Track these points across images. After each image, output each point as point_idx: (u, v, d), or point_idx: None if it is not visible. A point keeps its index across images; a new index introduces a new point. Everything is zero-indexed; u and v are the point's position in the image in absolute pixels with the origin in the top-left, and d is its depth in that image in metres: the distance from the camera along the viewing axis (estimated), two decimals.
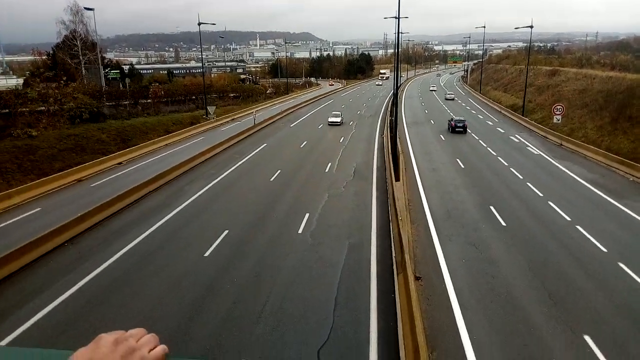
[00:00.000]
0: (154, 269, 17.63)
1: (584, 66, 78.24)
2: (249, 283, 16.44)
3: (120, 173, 33.14)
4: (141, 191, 26.85)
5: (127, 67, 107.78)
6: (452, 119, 51.10)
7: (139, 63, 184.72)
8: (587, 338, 13.11)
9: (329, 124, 54.78)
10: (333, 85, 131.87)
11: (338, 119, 55.62)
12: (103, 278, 16.95)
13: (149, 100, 61.34)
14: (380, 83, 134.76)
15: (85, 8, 59.16)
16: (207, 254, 18.85)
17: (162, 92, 66.50)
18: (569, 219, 22.74)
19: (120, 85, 71.36)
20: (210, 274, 17.14)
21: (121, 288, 16.20)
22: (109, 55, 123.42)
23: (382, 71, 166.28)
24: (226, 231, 21.15)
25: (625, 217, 23.27)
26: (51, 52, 72.28)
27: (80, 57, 62.02)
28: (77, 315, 14.52)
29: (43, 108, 41.57)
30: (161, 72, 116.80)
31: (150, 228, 21.77)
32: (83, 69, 62.99)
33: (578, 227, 21.61)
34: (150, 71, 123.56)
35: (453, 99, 74.27)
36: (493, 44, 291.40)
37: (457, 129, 48.77)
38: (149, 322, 14.07)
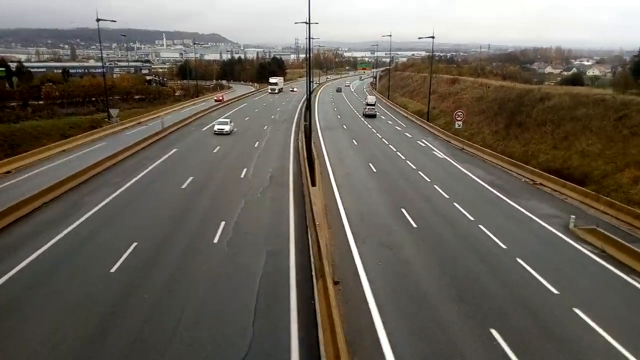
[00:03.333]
0: (51, 289, 15.92)
1: (480, 75, 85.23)
2: (161, 299, 15.44)
3: (8, 183, 29.71)
4: (35, 202, 24.25)
5: (15, 64, 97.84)
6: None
7: (28, 60, 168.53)
8: (493, 331, 14.03)
9: (214, 133, 49.82)
10: (222, 99, 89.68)
11: (226, 127, 50.32)
12: None
13: (41, 102, 56.12)
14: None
15: None
16: (113, 269, 17.44)
17: (57, 93, 61.36)
18: (472, 218, 24.37)
19: (7, 85, 64.50)
20: (117, 291, 15.85)
21: (12, 313, 14.40)
22: None
23: (272, 80, 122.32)
24: (135, 244, 19.76)
25: (520, 215, 25.46)
26: None
27: None
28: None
29: None
30: (55, 71, 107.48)
31: (46, 244, 19.68)
32: None
33: (480, 226, 23.22)
34: (42, 70, 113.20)
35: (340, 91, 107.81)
36: (399, 52, 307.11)
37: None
38: (45, 349, 12.65)
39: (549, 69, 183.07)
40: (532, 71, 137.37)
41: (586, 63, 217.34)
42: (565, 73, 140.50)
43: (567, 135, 36.58)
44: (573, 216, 23.60)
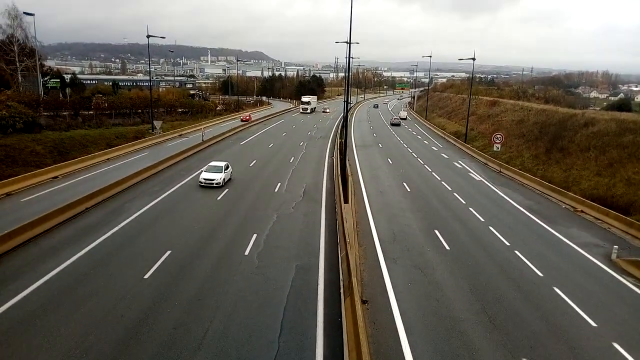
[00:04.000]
0: (88, 291, 16.52)
1: (521, 98, 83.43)
2: (191, 307, 15.74)
3: (55, 187, 31.20)
4: (78, 207, 25.35)
5: (69, 76, 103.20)
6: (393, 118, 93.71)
7: (82, 73, 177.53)
8: None
9: (201, 184, 32.34)
10: (249, 119, 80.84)
11: (217, 176, 32.50)
12: (31, 301, 15.68)
13: (91, 112, 58.74)
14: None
15: (25, 13, 56.43)
16: (147, 275, 17.95)
17: (106, 104, 63.99)
18: (508, 243, 23.70)
19: (60, 95, 67.99)
20: (149, 297, 16.28)
21: (50, 312, 15.02)
22: (50, 63, 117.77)
23: (304, 98, 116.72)
24: (169, 252, 20.30)
25: (559, 242, 24.56)
26: None
27: (17, 63, 58.75)
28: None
29: None
30: (106, 83, 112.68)
31: (86, 247, 20.50)
32: (19, 76, 59.65)
33: (516, 251, 22.55)
34: (94, 82, 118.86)
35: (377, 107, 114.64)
36: (438, 73, 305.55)
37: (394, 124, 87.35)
38: (79, 349, 13.09)
39: (594, 94, 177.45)
40: (576, 95, 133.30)
41: (634, 88, 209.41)
42: (612, 98, 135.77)
43: (612, 162, 35.19)
44: (616, 246, 22.59)
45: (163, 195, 29.92)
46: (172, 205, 28.02)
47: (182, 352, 13.16)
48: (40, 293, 16.27)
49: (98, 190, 27.99)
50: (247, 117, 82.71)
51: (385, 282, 18.62)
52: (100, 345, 13.35)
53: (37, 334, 13.80)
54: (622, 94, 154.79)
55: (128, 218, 24.90)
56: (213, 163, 34.57)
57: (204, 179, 32.32)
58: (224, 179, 32.97)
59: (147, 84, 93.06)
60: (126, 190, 30.85)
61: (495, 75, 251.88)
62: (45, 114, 51.15)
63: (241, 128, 69.97)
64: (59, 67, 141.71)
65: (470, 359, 13.61)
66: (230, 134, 63.21)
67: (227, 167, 34.31)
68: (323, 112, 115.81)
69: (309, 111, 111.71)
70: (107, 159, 41.76)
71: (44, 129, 43.94)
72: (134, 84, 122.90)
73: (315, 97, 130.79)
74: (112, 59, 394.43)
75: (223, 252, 20.72)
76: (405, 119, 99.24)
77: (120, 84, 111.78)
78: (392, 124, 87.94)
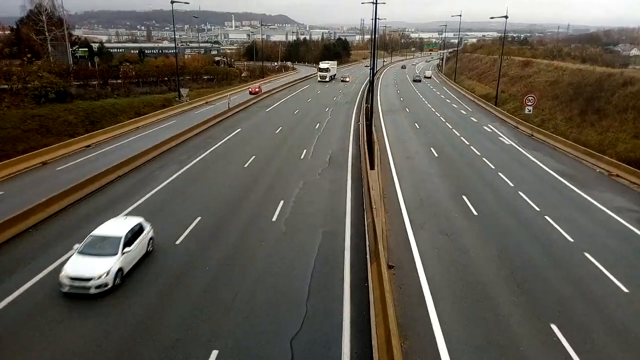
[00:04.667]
0: None
1: (556, 58, 79.83)
2: (220, 271, 16.22)
3: (88, 156, 32.09)
4: (110, 176, 26.07)
5: (97, 45, 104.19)
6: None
7: (109, 41, 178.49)
8: (553, 327, 13.47)
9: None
10: (258, 92, 69.20)
11: (95, 269, 14.25)
12: None
13: (119, 81, 59.50)
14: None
15: None
16: (178, 241, 18.49)
17: (134, 73, 64.64)
18: (538, 209, 23.25)
19: (89, 64, 68.96)
20: (181, 261, 16.83)
21: None
22: (77, 32, 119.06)
23: (322, 65, 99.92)
24: (199, 218, 20.78)
25: (591, 207, 23.93)
26: (15, 27, 69.06)
27: (46, 33, 59.69)
28: (42, 307, 14.03)
29: (6, 86, 39.88)
30: (132, 51, 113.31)
31: (119, 214, 21.16)
32: (49, 46, 60.67)
33: (547, 217, 22.12)
34: (121, 50, 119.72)
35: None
36: (468, 33, 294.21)
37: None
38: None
39: (635, 51, 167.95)
40: (615, 53, 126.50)
41: None
42: None
43: None
44: None
45: (191, 163, 30.41)
46: (200, 172, 28.49)
47: (213, 315, 13.66)
48: None
49: (129, 158, 28.63)
50: (257, 89, 70.66)
51: (412, 247, 18.65)
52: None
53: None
54: None
55: (158, 186, 25.50)
56: (98, 231, 16.00)
57: (69, 279, 14.26)
58: (115, 272, 14.69)
59: (172, 51, 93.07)
60: (156, 159, 31.47)
61: (528, 34, 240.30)
62: (75, 83, 52.14)
63: (265, 95, 69.65)
64: (86, 36, 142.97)
65: (497, 323, 13.65)
66: (255, 100, 63.11)
67: (135, 235, 16.19)
68: (342, 80, 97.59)
69: (327, 79, 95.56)
70: (137, 127, 42.48)
71: (75, 98, 44.86)
72: (160, 51, 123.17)
73: (335, 62, 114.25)
74: (138, 27, 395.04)
75: (251, 219, 21.08)
76: (429, 77, 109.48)
77: (146, 51, 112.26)
78: (414, 81, 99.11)
